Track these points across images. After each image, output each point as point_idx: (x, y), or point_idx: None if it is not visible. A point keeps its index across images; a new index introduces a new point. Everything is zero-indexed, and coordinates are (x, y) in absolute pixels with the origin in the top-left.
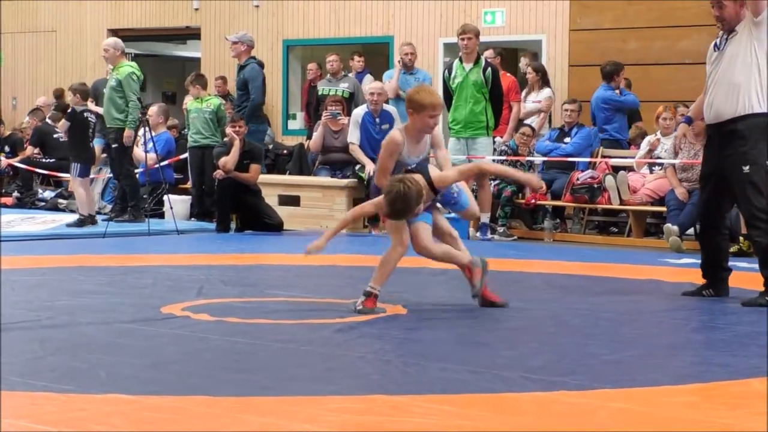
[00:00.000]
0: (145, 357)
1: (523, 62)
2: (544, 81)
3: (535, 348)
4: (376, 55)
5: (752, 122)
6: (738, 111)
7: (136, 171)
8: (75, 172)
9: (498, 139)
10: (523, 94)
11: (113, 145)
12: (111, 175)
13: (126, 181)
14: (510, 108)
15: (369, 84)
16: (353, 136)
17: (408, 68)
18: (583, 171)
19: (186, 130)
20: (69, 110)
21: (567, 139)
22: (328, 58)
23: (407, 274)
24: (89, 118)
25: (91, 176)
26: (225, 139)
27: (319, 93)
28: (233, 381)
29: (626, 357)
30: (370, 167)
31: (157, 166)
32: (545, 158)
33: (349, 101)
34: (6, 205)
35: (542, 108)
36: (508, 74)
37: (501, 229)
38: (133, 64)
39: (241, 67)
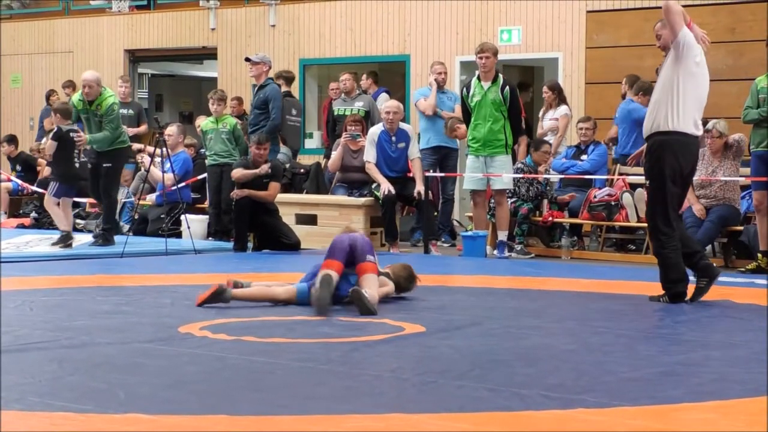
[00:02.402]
0: (164, 376)
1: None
2: (560, 99)
3: (553, 366)
4: (392, 73)
5: (656, 140)
6: (652, 129)
7: (154, 193)
8: (52, 190)
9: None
10: (541, 113)
11: (105, 165)
12: (129, 198)
13: (107, 201)
14: None
15: (385, 103)
16: (369, 155)
17: (440, 87)
18: (600, 188)
19: (203, 150)
20: (54, 130)
21: (584, 157)
22: (342, 78)
23: (426, 292)
24: (74, 138)
25: None
26: (243, 157)
27: (335, 113)
28: (251, 400)
29: (645, 374)
30: (385, 186)
31: (174, 187)
32: (562, 176)
33: (366, 119)
34: (24, 226)
35: (560, 125)
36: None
37: (518, 247)
38: (110, 90)
39: (260, 87)
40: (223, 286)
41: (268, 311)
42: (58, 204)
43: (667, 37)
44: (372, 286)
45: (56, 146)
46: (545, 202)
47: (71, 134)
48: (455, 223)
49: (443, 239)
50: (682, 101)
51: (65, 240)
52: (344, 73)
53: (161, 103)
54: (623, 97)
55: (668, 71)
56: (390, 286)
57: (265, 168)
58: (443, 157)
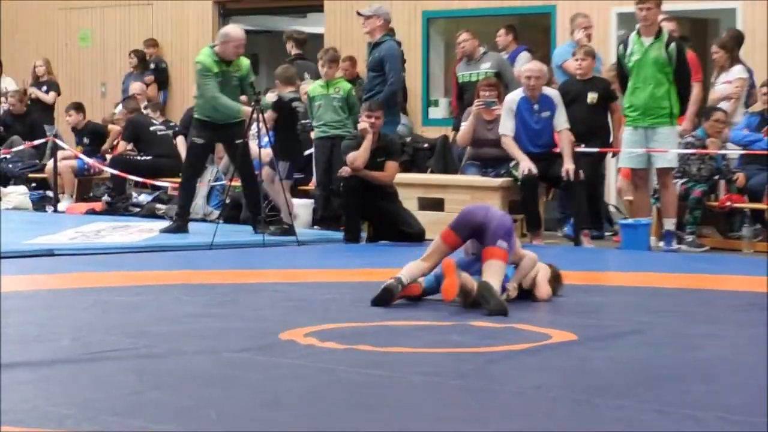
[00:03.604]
0: (262, 393)
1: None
2: (733, 59)
3: (735, 383)
4: (534, 28)
5: None
6: None
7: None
8: (282, 172)
9: (677, 127)
10: (713, 77)
11: (237, 141)
12: (219, 179)
13: (253, 187)
14: None
15: (525, 65)
16: (506, 127)
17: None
18: None
19: (308, 121)
20: (275, 99)
21: None
22: (459, 38)
23: (578, 292)
24: (297, 108)
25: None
26: (356, 130)
27: (459, 81)
28: (366, 421)
29: None
30: (525, 164)
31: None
32: (743, 151)
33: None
34: (95, 211)
35: (734, 92)
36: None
37: (689, 238)
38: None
39: (375, 45)
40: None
41: (386, 313)
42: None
43: None
44: (494, 277)
45: (276, 117)
46: (722, 183)
47: (294, 103)
48: (611, 209)
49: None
50: None
51: (285, 233)
52: (462, 33)
53: (256, 65)
54: None
55: None
56: (539, 266)
57: (368, 132)
58: None
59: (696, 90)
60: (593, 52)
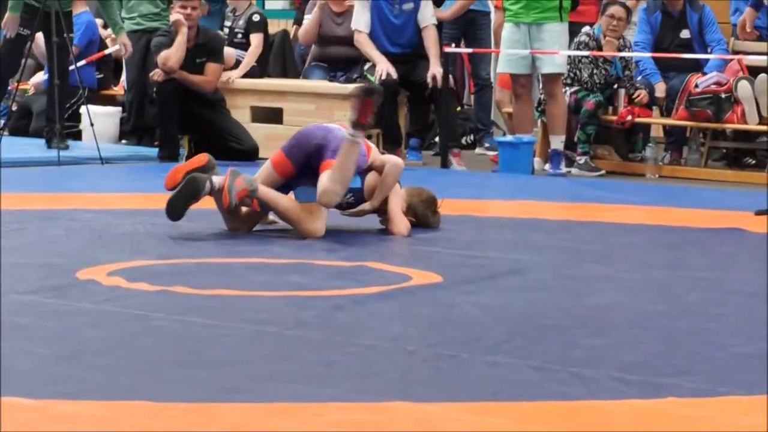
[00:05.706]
0: (55, 344)
1: None
2: None
3: (631, 335)
4: None
5: None
6: None
7: (40, 73)
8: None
9: (588, 28)
10: None
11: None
12: None
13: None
14: None
15: None
16: (360, 21)
17: None
18: (706, 74)
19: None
20: None
21: (686, 32)
22: None
23: (444, 224)
24: None
25: None
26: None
27: None
28: (185, 380)
29: (766, 350)
30: (383, 67)
31: (72, 66)
32: (649, 54)
33: None
34: None
35: None
36: None
37: (582, 160)
38: None
39: None
40: (213, 160)
41: (209, 248)
42: None
43: None
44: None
45: None
46: (622, 93)
47: None
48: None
49: (486, 144)
50: None
51: None
52: None
53: None
54: None
55: None
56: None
57: (182, 26)
58: (469, 25)
59: None
60: None
